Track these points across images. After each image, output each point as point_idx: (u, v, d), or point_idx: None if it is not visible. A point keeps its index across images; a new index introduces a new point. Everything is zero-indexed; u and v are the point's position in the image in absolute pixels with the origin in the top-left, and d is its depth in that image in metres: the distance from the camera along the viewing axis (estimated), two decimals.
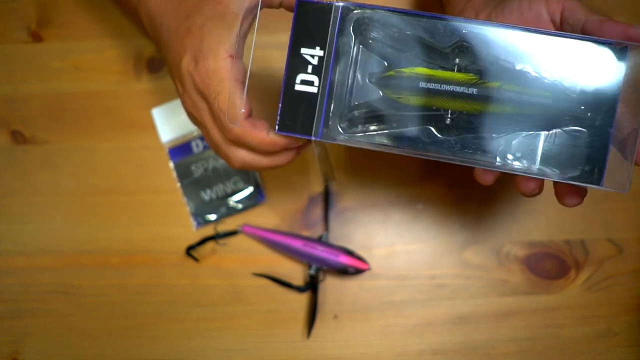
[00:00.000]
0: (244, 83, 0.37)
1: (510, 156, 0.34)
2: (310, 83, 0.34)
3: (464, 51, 0.34)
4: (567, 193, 0.36)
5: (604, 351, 0.58)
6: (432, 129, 0.34)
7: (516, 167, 0.34)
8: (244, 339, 0.58)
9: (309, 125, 0.35)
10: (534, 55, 0.33)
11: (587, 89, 0.33)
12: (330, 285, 0.59)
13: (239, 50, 0.37)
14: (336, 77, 0.35)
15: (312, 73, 0.34)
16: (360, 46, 0.35)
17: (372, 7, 0.34)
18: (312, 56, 0.34)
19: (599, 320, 0.58)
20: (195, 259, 0.58)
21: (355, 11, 0.34)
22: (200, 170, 0.60)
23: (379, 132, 0.35)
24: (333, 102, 0.35)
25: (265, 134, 0.37)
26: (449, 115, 0.34)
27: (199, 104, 0.38)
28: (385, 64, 0.35)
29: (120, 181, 0.60)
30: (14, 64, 0.61)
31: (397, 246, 0.59)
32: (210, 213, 0.59)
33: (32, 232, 0.59)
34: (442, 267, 0.59)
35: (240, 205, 0.59)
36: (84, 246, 0.59)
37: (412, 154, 0.35)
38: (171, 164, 0.60)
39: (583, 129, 0.33)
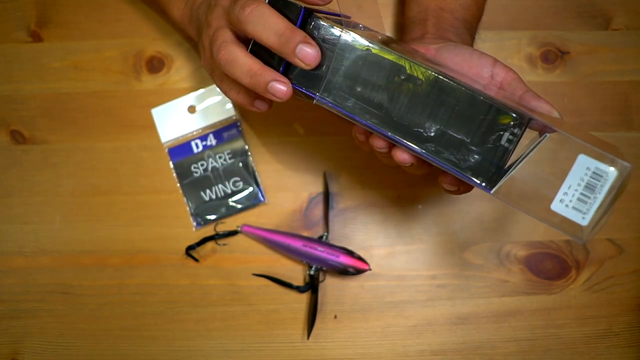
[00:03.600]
0: None
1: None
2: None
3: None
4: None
5: (604, 351, 0.58)
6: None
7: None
8: (244, 339, 0.58)
9: None
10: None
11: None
12: (330, 286, 0.58)
13: None
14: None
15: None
16: None
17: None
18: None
19: (599, 320, 0.58)
20: (195, 259, 0.58)
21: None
22: (200, 170, 0.60)
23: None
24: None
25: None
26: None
27: (219, 14, 0.41)
28: None
29: (120, 181, 0.60)
30: (14, 63, 0.61)
31: (397, 246, 0.59)
32: (210, 213, 0.59)
33: (32, 232, 0.59)
34: (442, 267, 0.59)
35: (239, 206, 0.59)
36: (84, 246, 0.59)
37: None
38: (171, 164, 0.60)
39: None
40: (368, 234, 0.60)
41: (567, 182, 0.34)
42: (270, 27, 0.36)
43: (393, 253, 0.59)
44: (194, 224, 0.59)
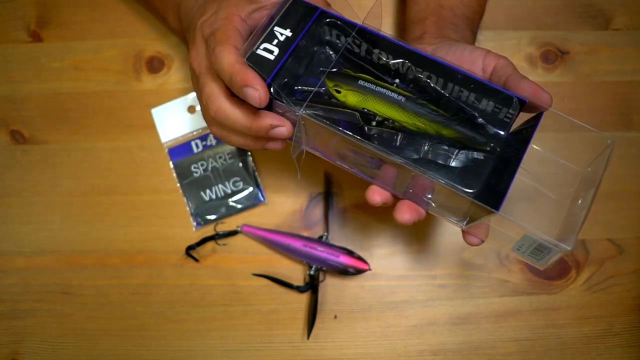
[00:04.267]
0: (243, 38, 0.39)
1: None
2: (271, 52, 0.38)
3: (406, 71, 0.40)
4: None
5: (604, 351, 0.58)
6: (357, 114, 0.38)
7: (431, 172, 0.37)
8: (244, 339, 0.58)
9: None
10: (462, 90, 0.39)
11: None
12: (330, 286, 0.58)
13: (251, 23, 0.40)
14: (293, 54, 0.39)
15: (275, 46, 0.38)
16: (327, 47, 0.42)
17: (344, 20, 0.40)
18: (281, 34, 0.39)
19: (599, 320, 0.58)
20: (195, 259, 0.58)
21: (329, 19, 0.40)
22: (200, 170, 0.60)
23: (311, 110, 0.38)
24: (284, 70, 0.38)
25: (236, 57, 0.38)
26: (375, 119, 0.38)
27: (201, 51, 0.41)
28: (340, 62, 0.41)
29: (120, 181, 0.60)
30: (14, 63, 0.61)
31: (397, 246, 0.59)
32: (210, 213, 0.59)
33: (32, 232, 0.59)
34: (442, 267, 0.59)
35: (239, 206, 0.59)
36: (84, 246, 0.59)
37: (338, 132, 0.38)
38: (171, 164, 0.60)
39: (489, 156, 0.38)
40: (368, 234, 0.60)
41: (520, 242, 0.37)
42: (236, 126, 0.39)
43: (393, 253, 0.59)
44: (194, 224, 0.59)
